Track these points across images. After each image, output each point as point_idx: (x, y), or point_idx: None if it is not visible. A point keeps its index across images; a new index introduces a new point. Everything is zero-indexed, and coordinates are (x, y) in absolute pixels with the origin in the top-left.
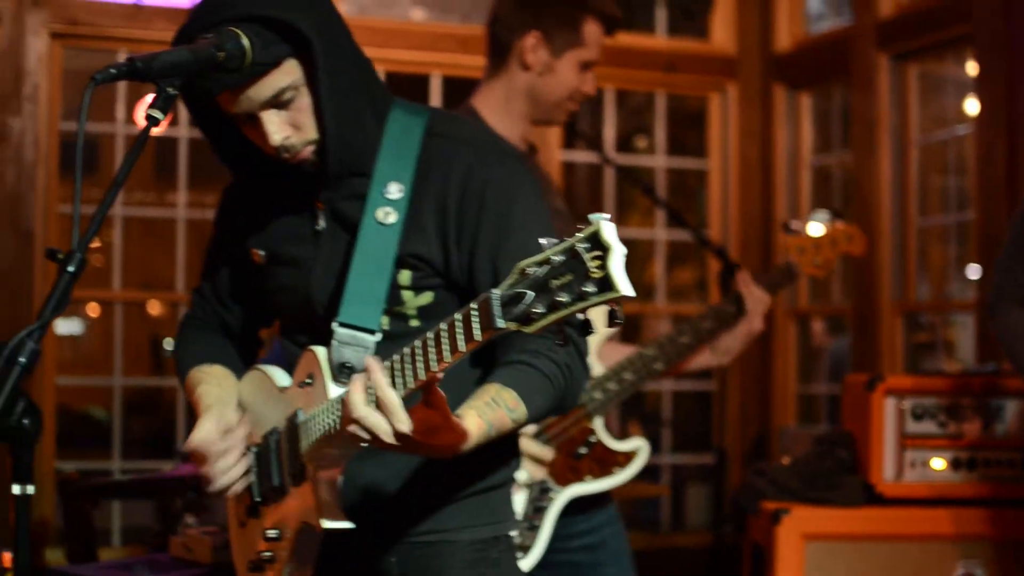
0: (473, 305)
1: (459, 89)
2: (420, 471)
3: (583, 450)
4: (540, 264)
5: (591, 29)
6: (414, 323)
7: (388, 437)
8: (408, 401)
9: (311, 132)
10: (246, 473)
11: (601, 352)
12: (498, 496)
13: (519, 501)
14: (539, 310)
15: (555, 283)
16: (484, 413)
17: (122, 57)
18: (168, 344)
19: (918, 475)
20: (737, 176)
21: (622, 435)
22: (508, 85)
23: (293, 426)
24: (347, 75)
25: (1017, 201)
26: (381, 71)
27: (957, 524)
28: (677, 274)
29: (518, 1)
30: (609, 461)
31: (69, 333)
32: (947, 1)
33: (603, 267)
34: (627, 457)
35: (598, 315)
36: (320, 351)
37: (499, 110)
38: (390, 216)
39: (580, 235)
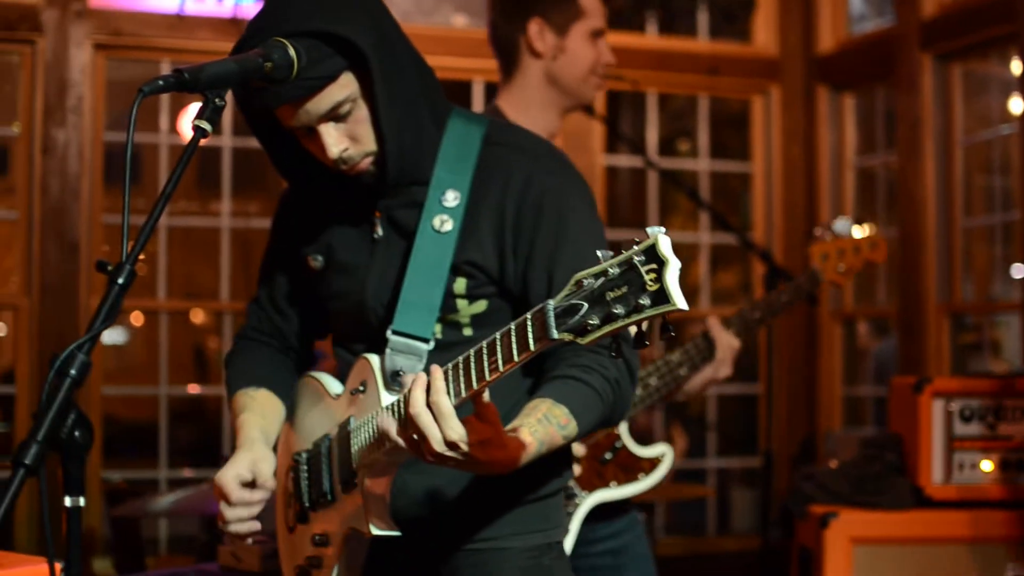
0: (528, 315)
1: (491, 99)
2: (472, 479)
3: (608, 456)
4: (596, 276)
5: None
6: (467, 331)
7: (439, 444)
8: (460, 412)
9: (369, 144)
10: (294, 484)
11: None
12: (550, 504)
13: None
14: (594, 322)
15: (611, 295)
16: (536, 431)
17: (165, 67)
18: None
19: (966, 477)
20: (781, 178)
21: (667, 439)
22: (525, 80)
23: (345, 433)
24: (404, 85)
25: None
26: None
27: (1006, 526)
28: (720, 277)
29: (507, 3)
30: (634, 467)
31: (113, 342)
32: (990, 0)
33: (659, 280)
34: (652, 463)
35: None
36: (374, 359)
37: (522, 107)
38: (446, 224)
39: (637, 248)
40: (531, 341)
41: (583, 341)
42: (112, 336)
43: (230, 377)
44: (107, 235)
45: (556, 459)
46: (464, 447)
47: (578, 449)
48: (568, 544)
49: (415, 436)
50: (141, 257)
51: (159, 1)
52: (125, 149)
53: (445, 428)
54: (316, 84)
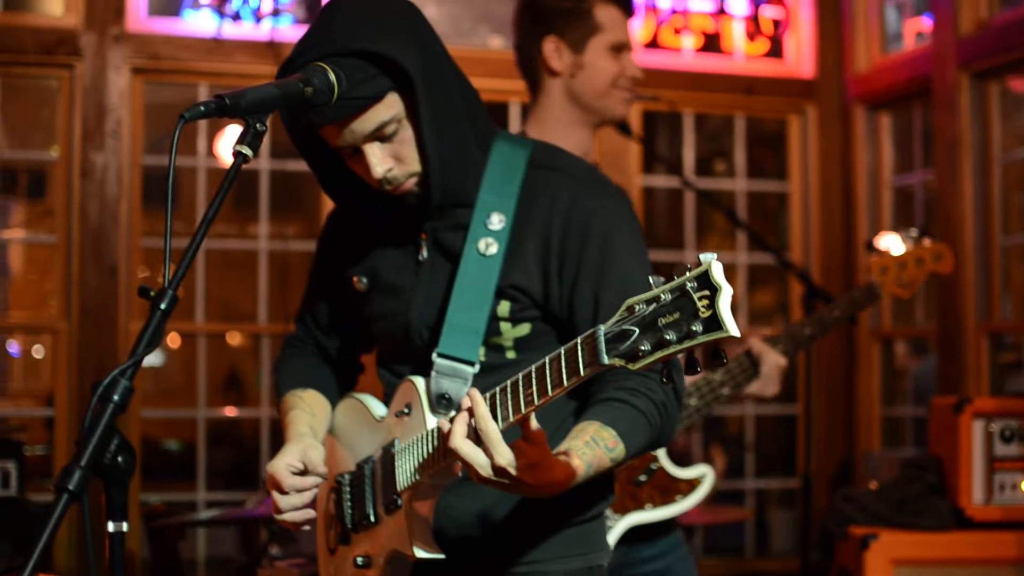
0: (579, 340)
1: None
2: (516, 503)
3: (643, 478)
4: (648, 302)
5: (605, 12)
6: (510, 355)
7: (486, 470)
8: (507, 437)
9: (414, 164)
10: (336, 505)
11: None
12: (592, 528)
13: None
14: (645, 348)
15: (662, 321)
16: (584, 454)
17: (203, 91)
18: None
19: (1008, 498)
20: (818, 198)
21: (705, 459)
22: (548, 100)
23: (389, 455)
24: (449, 107)
25: None
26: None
27: None
28: (758, 297)
29: (523, 17)
30: (671, 489)
31: (150, 365)
32: None
33: (711, 306)
34: (690, 485)
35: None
36: (419, 381)
37: (548, 128)
38: (492, 247)
39: (690, 274)
40: (581, 366)
41: (634, 367)
42: (149, 359)
43: (279, 381)
44: (146, 258)
45: (598, 483)
46: (513, 471)
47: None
48: None
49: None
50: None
51: (197, 25)
52: (166, 174)
53: (494, 454)
54: (362, 104)
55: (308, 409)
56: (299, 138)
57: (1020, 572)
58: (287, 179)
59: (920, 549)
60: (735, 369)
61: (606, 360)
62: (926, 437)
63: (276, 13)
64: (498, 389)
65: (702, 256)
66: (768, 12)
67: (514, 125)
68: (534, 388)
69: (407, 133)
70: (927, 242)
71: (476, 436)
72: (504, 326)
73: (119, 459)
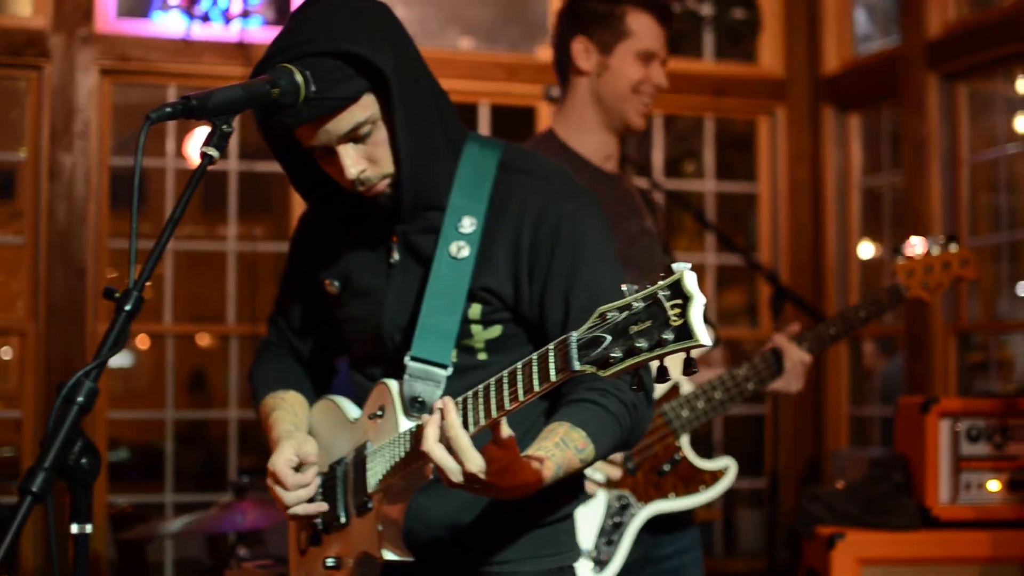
0: (551, 346)
1: (507, 117)
2: (486, 504)
3: (667, 467)
4: (620, 309)
5: (638, 19)
6: (482, 356)
7: (457, 476)
8: (479, 439)
9: (387, 166)
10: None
11: None
12: (562, 528)
13: (597, 516)
14: (616, 355)
15: (634, 329)
16: (553, 455)
17: (172, 92)
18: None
19: (974, 497)
20: (787, 199)
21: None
22: (575, 98)
23: (361, 457)
24: (423, 109)
25: None
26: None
27: (1015, 546)
28: (727, 297)
29: (561, 16)
30: (695, 479)
31: (119, 366)
32: (996, 19)
33: (683, 315)
34: (714, 476)
35: (674, 361)
36: (392, 384)
37: (573, 126)
38: (463, 250)
39: (662, 283)
40: (553, 372)
41: (605, 374)
42: (118, 360)
43: (256, 384)
44: (114, 260)
45: (568, 484)
46: (483, 476)
47: (613, 472)
48: (622, 555)
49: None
50: (148, 283)
51: (166, 26)
52: (132, 176)
53: (464, 461)
54: (338, 104)
55: (290, 409)
56: (272, 138)
57: (986, 571)
58: (256, 180)
59: (886, 548)
60: (760, 365)
61: (577, 367)
62: (894, 437)
63: (246, 15)
64: (470, 394)
65: (675, 265)
66: (738, 13)
67: (483, 127)
68: (505, 393)
69: (381, 134)
70: (954, 247)
71: (446, 443)
72: (475, 328)
73: (83, 461)
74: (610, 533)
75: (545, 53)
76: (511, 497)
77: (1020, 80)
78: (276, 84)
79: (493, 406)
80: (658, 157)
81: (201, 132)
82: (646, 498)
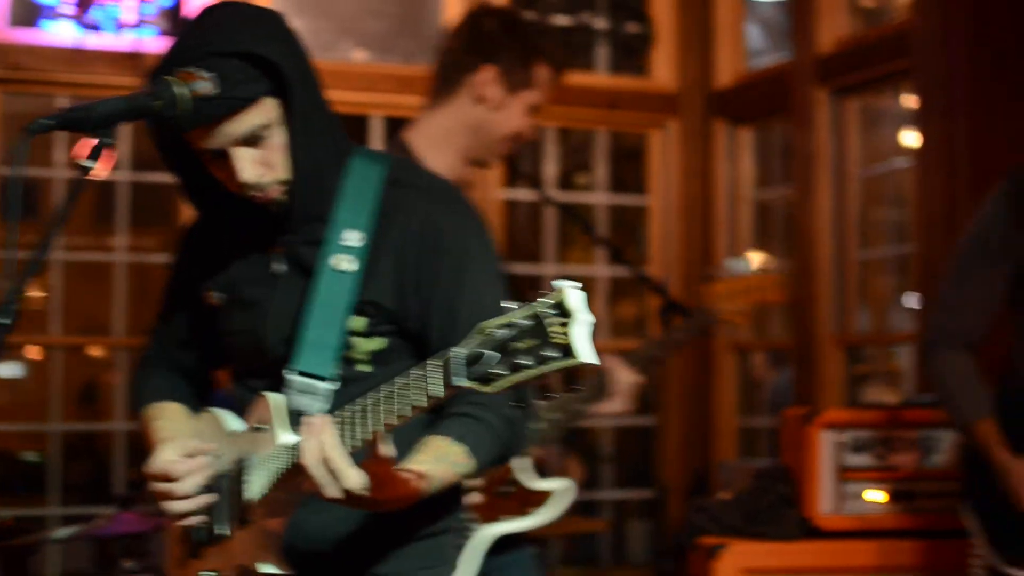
0: (432, 362)
1: (400, 129)
2: (367, 518)
3: (505, 489)
4: (503, 326)
5: (542, 73)
6: (366, 368)
7: (334, 491)
8: (358, 454)
9: (283, 172)
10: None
11: None
12: (442, 541)
13: None
14: (500, 371)
15: (518, 346)
16: (432, 469)
17: (63, 102)
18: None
19: (856, 508)
20: (678, 212)
21: (561, 472)
22: (454, 118)
23: (242, 470)
24: (318, 118)
25: (955, 232)
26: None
27: (894, 556)
28: (620, 309)
29: (475, 34)
30: (531, 500)
31: (8, 377)
32: (886, 36)
33: (566, 333)
34: (543, 497)
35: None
36: (274, 397)
37: (436, 144)
38: (347, 264)
39: (546, 300)
40: (436, 387)
41: (487, 390)
42: (7, 370)
43: (137, 395)
44: None
45: (447, 497)
46: (359, 492)
47: (474, 483)
48: None
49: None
50: (34, 293)
51: (58, 35)
52: (11, 190)
53: (342, 480)
54: (237, 104)
55: (171, 418)
56: (162, 141)
57: None
58: (146, 191)
59: (769, 558)
60: (587, 386)
61: (461, 382)
62: (779, 448)
63: (139, 24)
64: (351, 410)
65: (559, 283)
66: (632, 27)
67: (375, 139)
68: (387, 410)
69: (278, 140)
70: (762, 271)
71: (324, 461)
72: (358, 340)
73: None
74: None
75: None
76: (388, 510)
77: (910, 96)
78: (159, 96)
79: (372, 423)
80: (551, 169)
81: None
82: (487, 519)
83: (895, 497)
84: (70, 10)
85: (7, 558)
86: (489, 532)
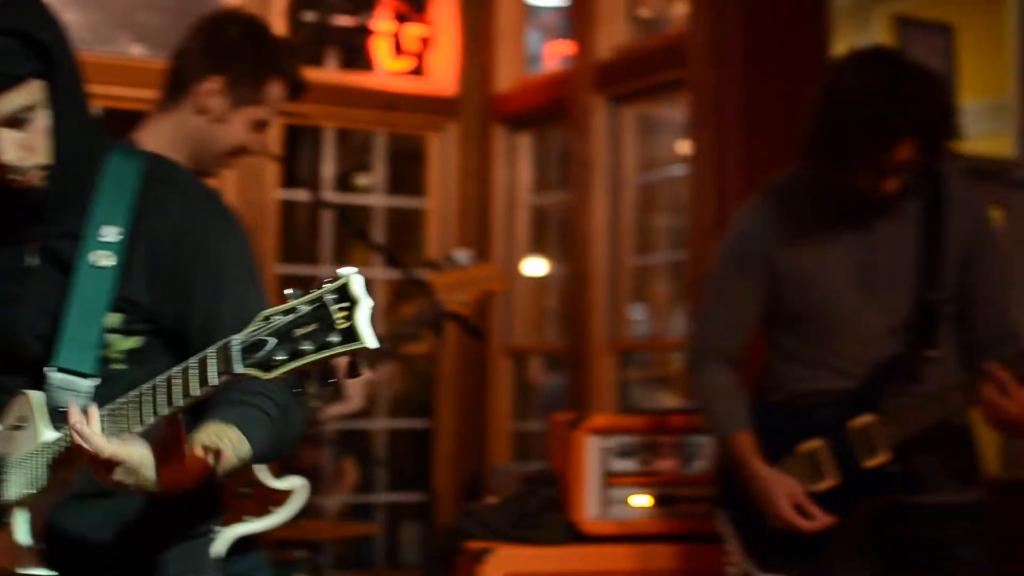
0: (212, 349)
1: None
2: (128, 519)
3: (245, 490)
4: (285, 312)
5: (275, 90)
6: (120, 366)
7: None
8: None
9: (44, 156)
10: None
11: None
12: (202, 544)
13: None
14: (280, 357)
15: (299, 331)
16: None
17: None
18: None
19: (620, 513)
20: (456, 215)
21: (337, 474)
22: (179, 126)
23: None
24: (82, 107)
25: None
26: (100, 107)
27: (656, 560)
28: (405, 310)
29: (207, 42)
30: (267, 500)
31: None
32: (662, 45)
33: (349, 318)
34: (284, 496)
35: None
36: (34, 395)
37: (161, 149)
38: (106, 259)
39: (328, 286)
40: (213, 375)
41: (267, 376)
42: None
43: None
44: None
45: (207, 499)
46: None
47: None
48: None
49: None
50: None
51: None
52: None
53: (119, 458)
54: (4, 82)
55: None
56: None
57: None
58: None
59: (534, 563)
60: (319, 390)
61: (240, 369)
62: (547, 452)
63: None
64: (123, 402)
65: (342, 270)
66: (413, 29)
67: None
68: (159, 401)
69: (42, 123)
70: (480, 263)
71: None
72: (114, 338)
73: None
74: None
75: None
76: (169, 490)
77: (683, 104)
78: None
79: (148, 412)
80: (329, 170)
81: None
82: (226, 521)
83: (659, 502)
84: None
85: None
86: (231, 533)
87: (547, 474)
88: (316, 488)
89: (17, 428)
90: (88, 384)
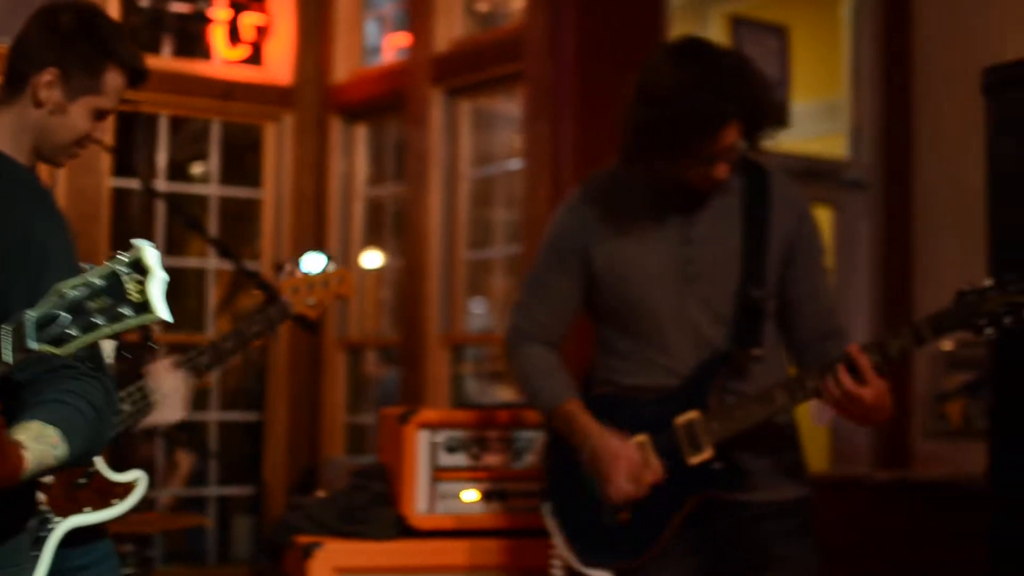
0: (5, 326)
1: None
2: None
3: (82, 480)
4: (78, 286)
5: (113, 78)
6: None
7: None
8: None
9: None
10: None
11: None
12: (23, 540)
13: None
14: (73, 332)
15: (92, 305)
16: (31, 448)
17: None
18: None
19: (449, 507)
20: (291, 206)
21: (170, 464)
22: (19, 118)
23: None
24: None
25: None
26: None
27: (485, 555)
28: (245, 301)
29: (43, 34)
30: (109, 492)
31: None
32: (499, 39)
33: (142, 291)
34: (126, 489)
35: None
36: None
37: (5, 142)
38: None
39: (122, 259)
40: (7, 352)
41: (61, 351)
42: None
43: None
44: None
45: (23, 495)
46: None
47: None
48: (43, 570)
49: None
50: None
51: None
52: None
53: None
54: None
55: None
56: None
57: None
58: None
59: (364, 558)
60: (136, 394)
61: (33, 345)
62: (378, 447)
63: None
64: None
65: (135, 242)
66: (250, 18)
67: None
68: None
69: None
70: (332, 266)
71: None
72: None
73: None
74: (32, 548)
75: None
76: None
77: (520, 99)
78: None
79: None
80: (163, 159)
81: None
82: (64, 512)
83: (488, 497)
84: None
85: None
86: (68, 523)
87: (378, 468)
88: (149, 481)
89: None
90: None
